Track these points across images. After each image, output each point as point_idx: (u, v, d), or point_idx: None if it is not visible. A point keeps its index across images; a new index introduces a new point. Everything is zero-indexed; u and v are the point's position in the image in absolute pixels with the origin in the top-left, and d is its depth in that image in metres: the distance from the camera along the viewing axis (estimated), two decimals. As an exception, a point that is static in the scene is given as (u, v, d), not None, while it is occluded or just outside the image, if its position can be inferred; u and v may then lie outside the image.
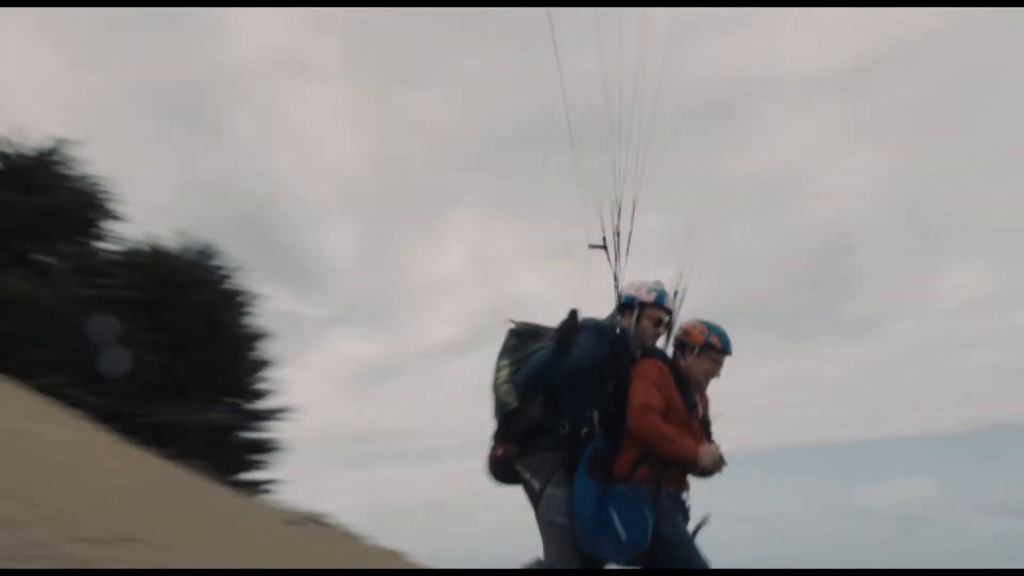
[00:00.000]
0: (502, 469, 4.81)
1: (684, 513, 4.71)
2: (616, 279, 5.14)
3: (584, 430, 4.69)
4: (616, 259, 5.16)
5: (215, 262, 22.84)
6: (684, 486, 4.73)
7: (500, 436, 4.83)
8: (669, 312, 5.02)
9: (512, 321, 5.06)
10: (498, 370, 4.90)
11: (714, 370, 4.93)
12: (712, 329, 4.95)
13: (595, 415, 4.71)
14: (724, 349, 4.93)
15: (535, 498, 4.67)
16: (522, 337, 4.96)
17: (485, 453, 4.88)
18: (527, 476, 4.71)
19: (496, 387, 4.86)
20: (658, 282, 5.05)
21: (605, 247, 5.14)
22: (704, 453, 4.59)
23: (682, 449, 4.56)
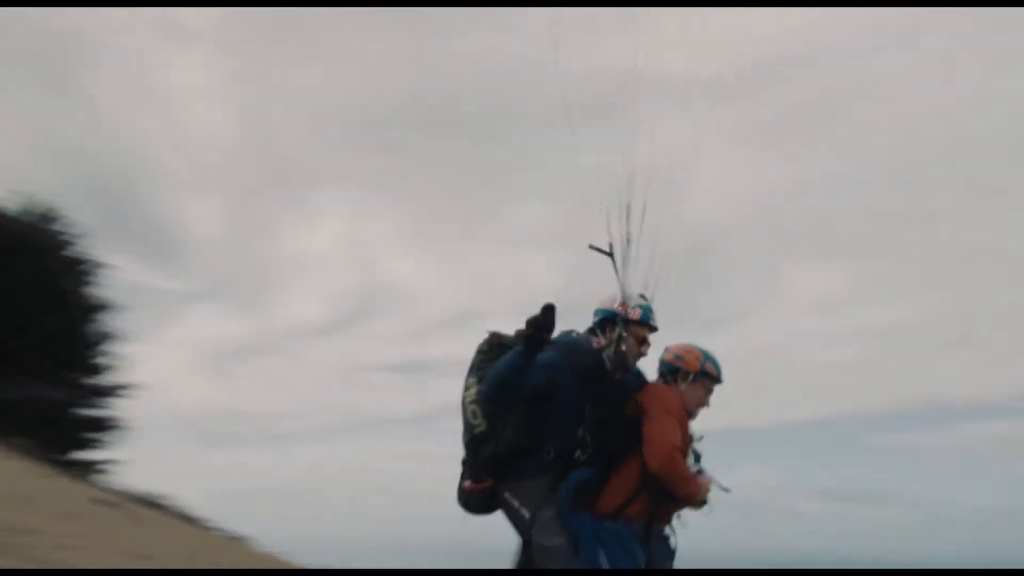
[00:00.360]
0: (480, 501, 4.54)
1: (671, 553, 4.56)
2: (623, 290, 4.66)
3: (577, 454, 4.47)
4: (624, 267, 4.64)
5: (57, 227, 21.45)
6: (670, 520, 4.56)
7: (472, 465, 4.55)
8: (655, 330, 4.71)
9: (488, 332, 4.71)
10: (466, 388, 4.59)
11: (706, 399, 4.70)
12: (707, 356, 4.71)
13: (586, 438, 4.45)
14: (718, 378, 4.70)
15: (524, 526, 4.44)
16: (490, 353, 4.61)
17: (457, 481, 4.62)
18: (515, 504, 4.46)
19: (463, 407, 4.56)
20: (642, 296, 4.70)
21: (611, 254, 4.63)
22: (705, 487, 4.45)
23: (696, 488, 4.39)
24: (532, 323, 4.18)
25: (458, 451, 4.71)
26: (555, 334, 4.42)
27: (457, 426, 4.69)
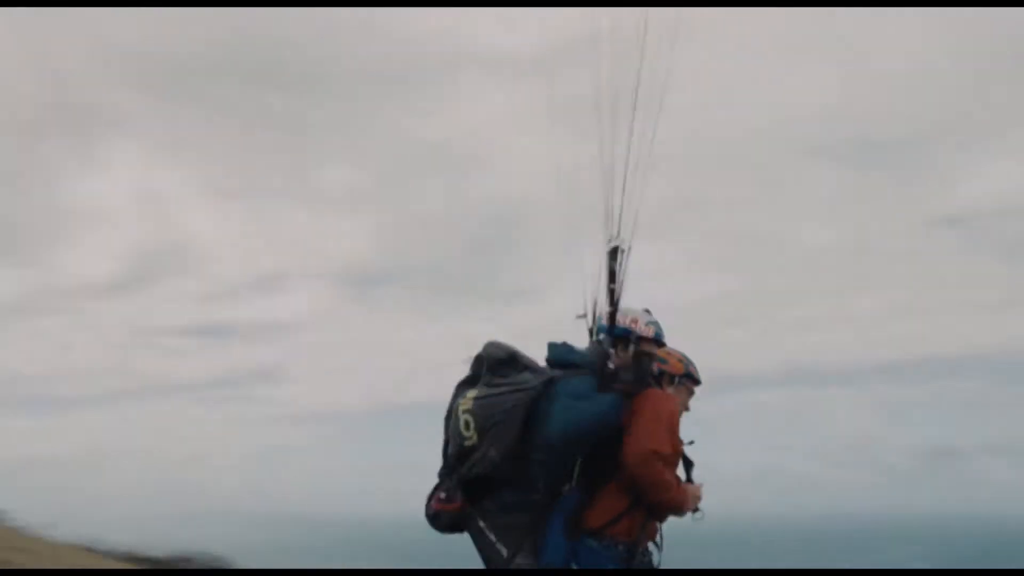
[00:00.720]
0: (448, 521, 4.39)
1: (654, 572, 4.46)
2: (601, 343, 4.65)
3: (565, 487, 4.32)
4: (594, 326, 4.73)
5: None
6: (655, 537, 4.46)
7: (450, 480, 4.38)
8: (663, 347, 4.63)
9: (492, 343, 4.56)
10: (460, 396, 4.42)
11: (687, 403, 4.62)
12: (689, 360, 4.64)
13: (576, 468, 4.31)
14: (699, 381, 4.65)
15: (496, 561, 4.28)
16: (499, 366, 4.43)
17: (428, 493, 4.49)
18: (492, 538, 4.29)
19: (455, 415, 4.37)
20: (649, 312, 4.63)
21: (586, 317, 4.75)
22: (693, 496, 4.40)
23: (680, 496, 4.32)
24: (642, 376, 4.30)
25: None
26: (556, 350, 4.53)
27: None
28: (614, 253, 4.63)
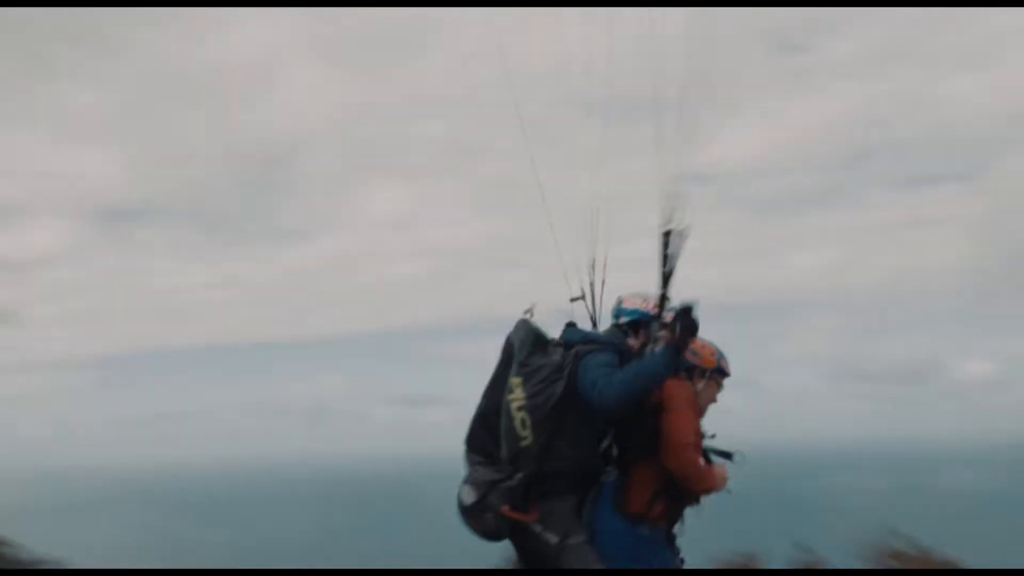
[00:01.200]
0: (506, 529, 4.21)
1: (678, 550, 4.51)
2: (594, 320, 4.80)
3: (605, 469, 4.39)
4: (595, 311, 4.82)
5: None
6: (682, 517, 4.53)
7: (512, 483, 4.17)
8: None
9: (524, 314, 4.49)
10: (509, 391, 4.27)
11: (716, 397, 4.59)
12: (721, 353, 4.60)
13: (613, 448, 4.38)
14: (728, 374, 4.61)
15: (548, 553, 4.18)
16: (533, 350, 4.33)
17: (471, 503, 4.23)
18: (538, 530, 4.18)
19: (506, 413, 4.23)
20: (665, 296, 4.46)
21: (583, 299, 4.82)
22: (721, 480, 4.41)
23: (711, 482, 4.36)
24: (689, 328, 4.08)
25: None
26: (565, 329, 4.54)
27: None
28: (668, 236, 4.38)
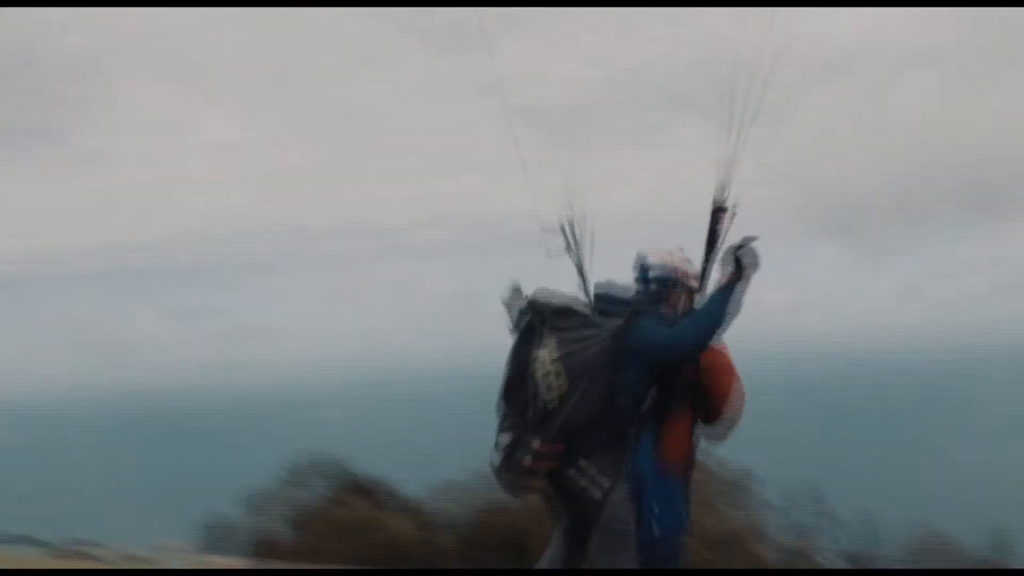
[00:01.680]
0: (541, 472, 4.21)
1: None
2: (581, 271, 4.67)
3: (646, 421, 4.39)
4: (578, 247, 4.66)
5: None
6: None
7: (541, 430, 4.16)
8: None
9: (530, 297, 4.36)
10: (543, 347, 4.23)
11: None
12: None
13: (650, 396, 4.35)
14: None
15: (589, 507, 4.18)
16: (557, 317, 4.27)
17: (494, 461, 4.28)
18: (582, 484, 4.17)
19: (532, 379, 4.21)
20: (682, 249, 4.48)
21: (564, 234, 4.63)
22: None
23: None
24: (754, 264, 4.13)
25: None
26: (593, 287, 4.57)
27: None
28: (718, 213, 4.36)
